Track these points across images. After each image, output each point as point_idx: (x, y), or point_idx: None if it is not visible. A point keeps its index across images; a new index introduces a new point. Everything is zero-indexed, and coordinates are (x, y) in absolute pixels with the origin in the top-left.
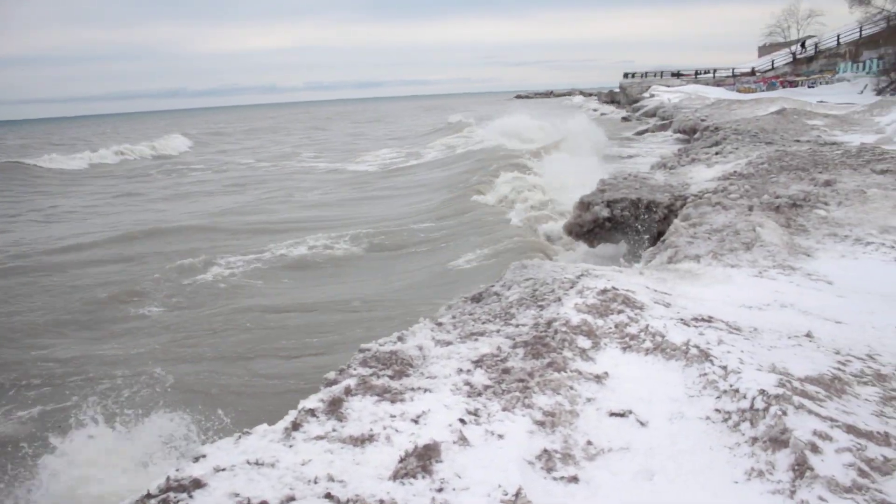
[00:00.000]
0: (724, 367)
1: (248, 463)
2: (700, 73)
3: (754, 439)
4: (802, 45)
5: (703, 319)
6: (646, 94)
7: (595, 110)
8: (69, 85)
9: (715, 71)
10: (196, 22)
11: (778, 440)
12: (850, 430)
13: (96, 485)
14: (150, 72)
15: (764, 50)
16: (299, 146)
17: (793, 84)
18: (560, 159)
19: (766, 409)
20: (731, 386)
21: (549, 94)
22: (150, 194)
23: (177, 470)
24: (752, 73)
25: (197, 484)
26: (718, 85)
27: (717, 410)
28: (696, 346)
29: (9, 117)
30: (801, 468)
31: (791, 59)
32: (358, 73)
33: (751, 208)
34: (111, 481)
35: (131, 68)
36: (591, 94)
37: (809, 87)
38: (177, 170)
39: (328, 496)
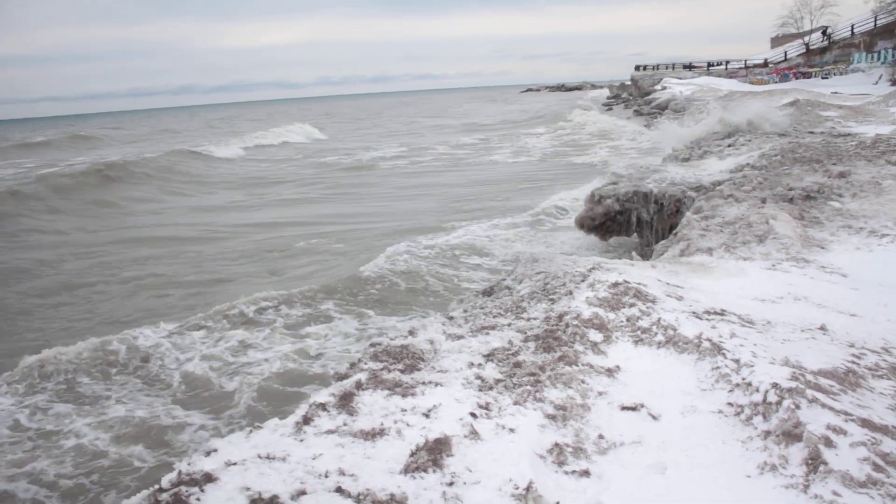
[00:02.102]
0: (737, 361)
1: (260, 457)
2: (712, 65)
3: (767, 433)
4: (824, 33)
5: (715, 312)
6: (657, 87)
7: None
8: (82, 83)
9: (727, 62)
10: (206, 18)
11: (791, 434)
12: (865, 423)
13: None
14: (162, 69)
15: (777, 41)
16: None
17: (806, 75)
18: None
19: (778, 403)
20: (743, 379)
21: (560, 88)
22: None
23: (188, 464)
24: (765, 64)
25: (208, 478)
26: (731, 77)
27: (730, 404)
28: (709, 340)
29: (24, 115)
30: (814, 462)
31: (804, 50)
32: (368, 68)
33: (764, 200)
34: None
35: (144, 66)
36: (601, 87)
37: (823, 77)
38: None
39: (339, 490)
